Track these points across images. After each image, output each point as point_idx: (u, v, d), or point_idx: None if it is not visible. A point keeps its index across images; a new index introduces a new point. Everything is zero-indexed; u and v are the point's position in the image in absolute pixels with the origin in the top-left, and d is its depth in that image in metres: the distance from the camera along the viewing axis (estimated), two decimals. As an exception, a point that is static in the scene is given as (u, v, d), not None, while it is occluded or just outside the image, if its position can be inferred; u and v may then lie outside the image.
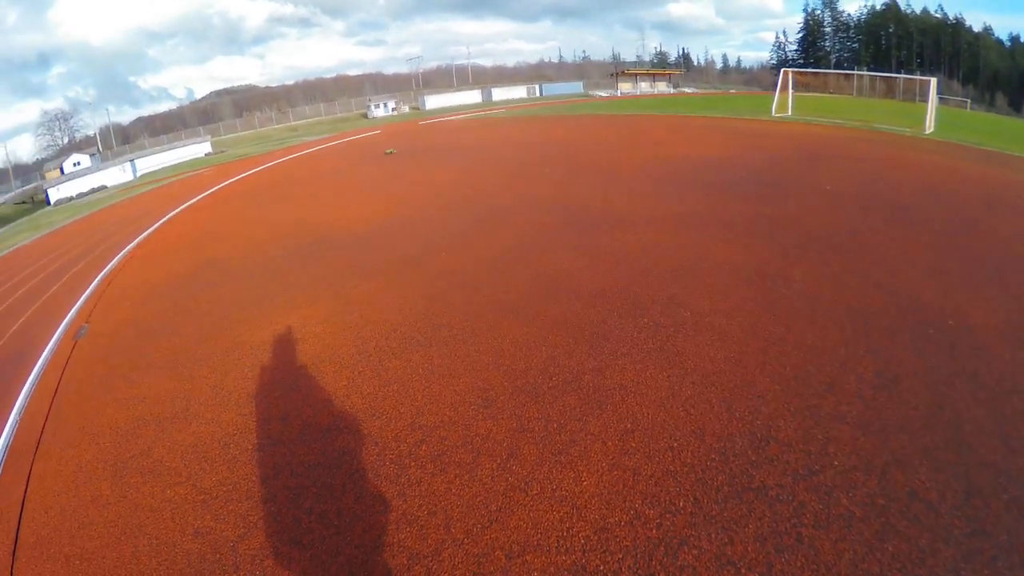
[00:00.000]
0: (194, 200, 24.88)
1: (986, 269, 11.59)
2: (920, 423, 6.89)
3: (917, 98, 63.85)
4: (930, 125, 35.05)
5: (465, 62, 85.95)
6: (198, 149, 45.21)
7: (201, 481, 6.20)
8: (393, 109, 58.12)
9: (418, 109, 58.17)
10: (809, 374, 7.91)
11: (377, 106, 59.00)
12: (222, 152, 43.97)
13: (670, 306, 9.78)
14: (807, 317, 9.38)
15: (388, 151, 24.07)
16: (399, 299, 10.43)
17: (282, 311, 10.51)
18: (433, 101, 58.65)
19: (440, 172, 24.82)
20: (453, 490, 5.72)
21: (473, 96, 61.47)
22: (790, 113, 41.66)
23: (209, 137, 54.53)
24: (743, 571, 4.93)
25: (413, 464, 6.12)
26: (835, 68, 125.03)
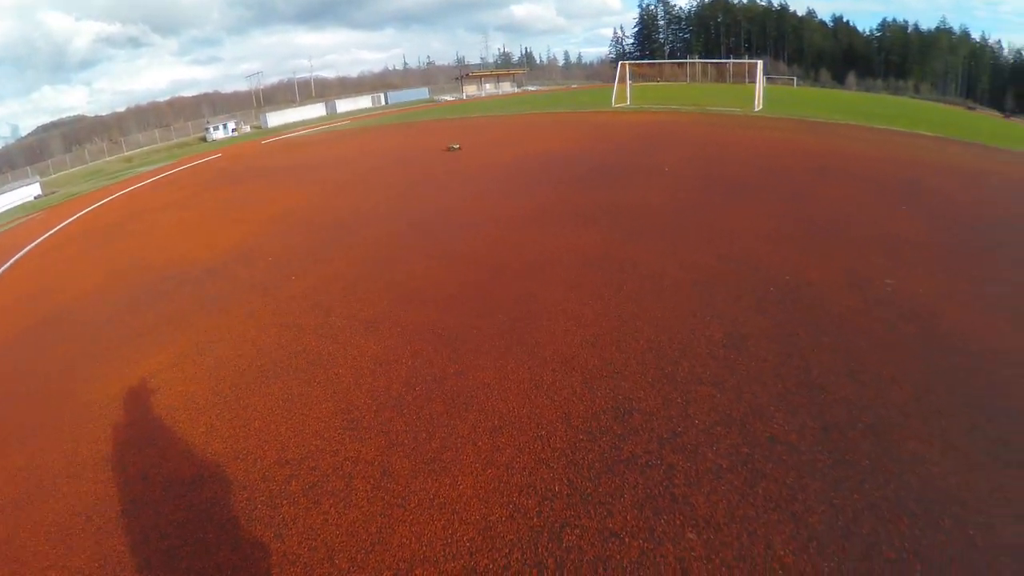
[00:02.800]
0: (25, 251, 22.27)
1: (818, 228, 12.71)
2: (771, 373, 7.45)
3: (747, 80, 69.01)
4: (759, 103, 38.27)
5: (307, 75, 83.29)
6: (27, 192, 40.51)
7: (70, 561, 5.55)
8: (234, 130, 55.20)
9: (260, 127, 55.77)
10: (662, 345, 8.34)
11: (216, 128, 55.78)
12: (53, 193, 39.93)
13: (524, 300, 10.03)
14: (655, 293, 9.90)
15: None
16: (251, 331, 9.89)
17: (130, 362, 9.63)
18: (275, 118, 56.30)
19: (284, 192, 23.74)
20: (330, 520, 5.50)
21: (317, 110, 59.59)
22: (629, 103, 43.77)
23: (38, 177, 49.13)
24: (627, 540, 5.10)
25: (285, 502, 5.81)
26: (669, 58, 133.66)
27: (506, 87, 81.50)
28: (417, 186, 21.08)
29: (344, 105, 62.19)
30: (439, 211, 16.52)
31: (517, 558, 4.93)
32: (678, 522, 5.29)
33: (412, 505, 5.58)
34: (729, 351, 7.89)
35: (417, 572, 4.88)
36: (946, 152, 25.05)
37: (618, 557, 4.93)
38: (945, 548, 5.23)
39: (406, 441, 6.52)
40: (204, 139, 55.86)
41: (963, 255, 11.54)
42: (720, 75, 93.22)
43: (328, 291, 11.29)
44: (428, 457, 6.22)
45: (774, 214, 13.72)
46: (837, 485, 5.78)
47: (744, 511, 5.45)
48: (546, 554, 4.97)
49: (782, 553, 5.13)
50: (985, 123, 46.84)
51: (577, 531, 5.17)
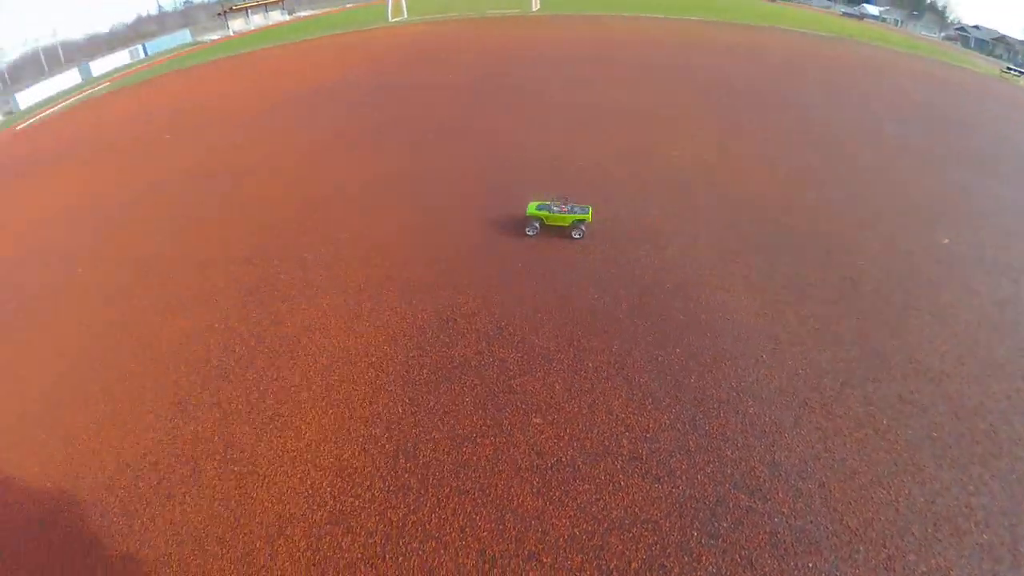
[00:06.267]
0: None
1: (623, 114, 13.22)
2: (576, 252, 7.87)
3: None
4: (536, 3, 38.34)
5: (52, 41, 72.96)
6: None
7: None
8: (-18, 123, 48.18)
9: (12, 112, 48.90)
10: (465, 248, 8.66)
11: (-40, 127, 48.40)
12: None
13: (322, 235, 9.86)
14: (444, 201, 10.17)
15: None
16: (52, 337, 8.81)
17: None
18: (27, 97, 49.29)
19: (60, 182, 21.02)
20: (188, 509, 5.32)
21: (71, 77, 52.74)
22: (406, 16, 42.01)
23: None
24: (479, 440, 5.34)
25: (140, 505, 5.50)
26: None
27: (276, 16, 75.18)
28: (187, 141, 19.11)
29: (99, 66, 55.24)
30: (209, 162, 15.29)
31: (380, 487, 5.06)
32: (520, 409, 5.61)
33: (263, 469, 5.50)
34: (530, 240, 8.19)
35: (288, 532, 4.89)
36: (711, 33, 26.99)
37: (475, 459, 5.16)
38: (770, 382, 5.90)
39: (239, 407, 6.33)
40: (-52, 141, 48.18)
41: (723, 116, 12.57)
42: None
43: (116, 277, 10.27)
44: (266, 417, 6.10)
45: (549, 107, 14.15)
46: (659, 343, 6.30)
47: (580, 385, 5.86)
48: (407, 474, 5.13)
49: (623, 415, 5.59)
50: (750, 6, 50.30)
51: (430, 444, 5.33)
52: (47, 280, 10.98)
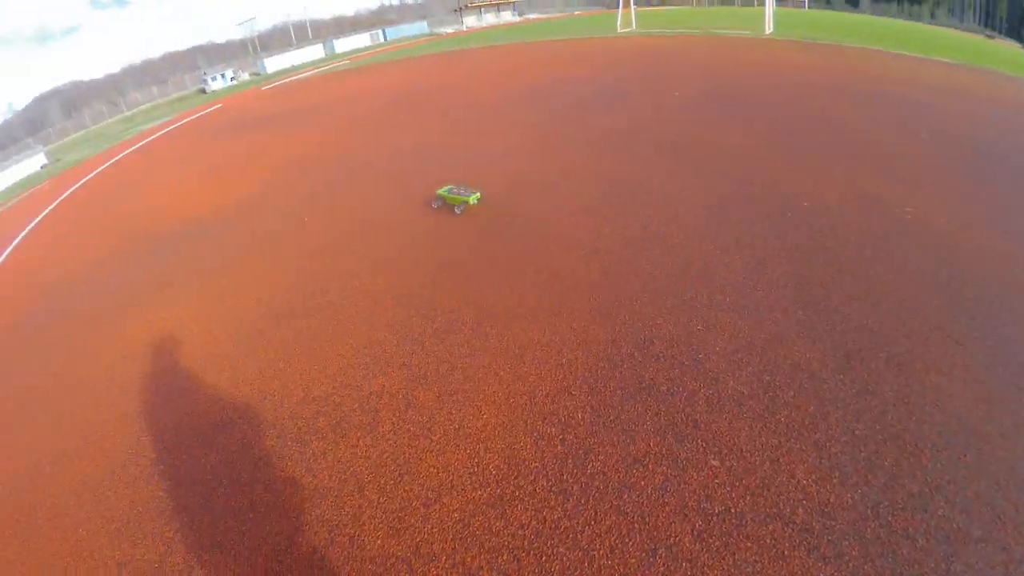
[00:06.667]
0: (33, 224, 21.55)
1: (839, 151, 12.43)
2: (790, 299, 7.40)
3: (756, 3, 66.31)
4: (769, 26, 36.83)
5: (302, 17, 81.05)
6: (32, 163, 39.60)
7: (108, 511, 5.66)
8: (232, 78, 54.03)
9: (259, 74, 54.69)
10: (681, 269, 8.29)
11: (214, 78, 54.26)
12: (58, 161, 39.40)
13: (537, 231, 10.03)
14: (668, 216, 9.83)
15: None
16: (269, 274, 9.95)
17: (150, 316, 9.62)
18: (273, 63, 54.51)
19: (296, 138, 23.33)
20: (359, 453, 5.61)
21: (315, 51, 57.88)
22: (634, 28, 42.45)
23: (41, 147, 48.09)
24: (650, 467, 5.15)
25: (314, 438, 5.92)
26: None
27: (507, 16, 78.45)
28: (429, 123, 20.53)
29: (342, 44, 60.55)
30: (449, 142, 16.20)
31: (542, 485, 5.01)
32: (699, 449, 5.32)
33: (437, 436, 5.68)
34: (749, 276, 7.82)
35: (445, 500, 4.98)
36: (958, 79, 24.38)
37: (642, 484, 4.98)
38: (968, 486, 5.23)
39: (428, 373, 6.62)
40: (203, 90, 54.25)
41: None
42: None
43: (347, 237, 11.16)
44: (451, 388, 6.32)
45: (778, 131, 13.55)
46: (859, 414, 5.77)
47: (766, 439, 5.46)
48: (571, 480, 5.04)
49: (806, 482, 5.14)
50: (1007, 53, 45.55)
51: (601, 457, 5.23)
52: (279, 223, 12.22)
